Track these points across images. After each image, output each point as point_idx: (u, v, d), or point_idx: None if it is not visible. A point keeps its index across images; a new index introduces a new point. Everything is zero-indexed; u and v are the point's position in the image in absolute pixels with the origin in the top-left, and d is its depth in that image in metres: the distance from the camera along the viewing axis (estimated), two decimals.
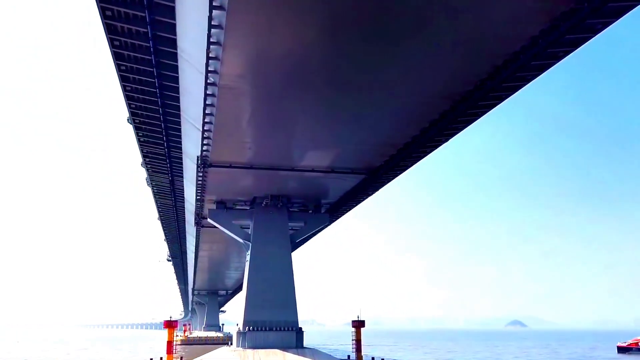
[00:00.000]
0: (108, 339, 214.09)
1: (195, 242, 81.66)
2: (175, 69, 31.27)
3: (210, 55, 26.51)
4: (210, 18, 22.78)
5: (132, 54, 30.01)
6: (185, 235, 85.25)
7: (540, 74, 32.63)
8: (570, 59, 30.56)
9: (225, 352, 49.47)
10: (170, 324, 51.38)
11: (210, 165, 43.03)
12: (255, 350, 48.38)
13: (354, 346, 55.05)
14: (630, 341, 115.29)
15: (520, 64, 27.84)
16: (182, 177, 52.61)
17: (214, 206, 54.87)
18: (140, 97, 35.58)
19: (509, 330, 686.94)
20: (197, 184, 47.73)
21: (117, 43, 28.90)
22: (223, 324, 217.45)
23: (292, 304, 51.91)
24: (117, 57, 30.35)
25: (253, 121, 35.49)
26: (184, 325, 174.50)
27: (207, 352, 54.80)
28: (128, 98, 35.62)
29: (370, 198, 58.88)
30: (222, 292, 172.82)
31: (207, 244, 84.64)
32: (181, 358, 58.29)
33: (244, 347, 49.59)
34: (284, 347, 48.95)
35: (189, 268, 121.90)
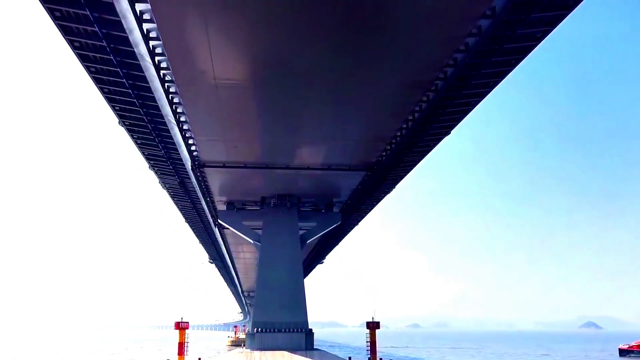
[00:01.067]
0: (167, 339, 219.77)
1: (224, 244, 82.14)
2: (139, 67, 31.00)
3: (156, 51, 26.13)
4: (135, 12, 22.28)
5: (97, 55, 29.93)
6: (216, 238, 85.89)
7: (524, 57, 30.57)
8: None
9: (234, 354, 49.10)
10: (180, 326, 51.41)
11: (204, 166, 42.84)
12: (263, 352, 47.80)
13: (369, 348, 53.51)
14: (632, 343, 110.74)
15: (480, 46, 25.88)
16: (189, 178, 52.73)
17: (225, 207, 54.85)
18: (123, 99, 35.60)
19: (582, 333, 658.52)
20: (199, 186, 47.70)
21: (77, 44, 28.83)
22: None
23: (301, 305, 51.02)
24: (83, 59, 30.33)
25: (230, 119, 34.90)
26: (235, 327, 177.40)
27: None
28: (110, 100, 35.66)
29: (395, 201, 57.57)
30: None
31: (238, 246, 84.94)
32: (199, 359, 58.37)
33: (252, 348, 49.16)
34: (293, 349, 48.15)
35: (232, 270, 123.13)
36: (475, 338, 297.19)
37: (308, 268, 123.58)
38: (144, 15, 23.25)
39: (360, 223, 76.69)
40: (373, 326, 54.21)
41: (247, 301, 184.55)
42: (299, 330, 49.83)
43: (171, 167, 48.38)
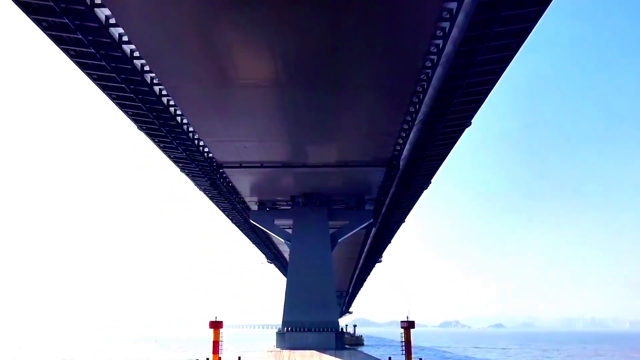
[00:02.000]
0: (239, 338, 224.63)
1: (271, 243, 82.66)
2: (134, 72, 31.56)
3: (133, 55, 26.57)
4: (92, 16, 22.74)
5: (94, 62, 30.68)
6: (266, 237, 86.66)
7: (524, 40, 28.87)
8: None
9: (264, 354, 49.32)
10: (215, 324, 52.18)
11: (222, 166, 43.29)
12: (292, 351, 47.75)
13: (404, 349, 52.24)
14: None
15: (467, 31, 24.60)
16: (219, 180, 53.40)
17: (256, 207, 55.31)
18: (132, 104, 36.34)
19: None
20: (222, 186, 48.26)
21: (72, 53, 29.74)
22: (355, 325, 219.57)
23: (331, 304, 50.66)
24: (83, 67, 31.24)
25: (230, 120, 35.02)
26: None
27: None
28: (121, 106, 36.50)
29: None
30: (338, 293, 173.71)
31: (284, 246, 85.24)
32: (239, 358, 58.98)
33: (282, 347, 49.23)
34: (323, 348, 47.78)
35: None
36: (557, 339, 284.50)
37: (366, 267, 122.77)
38: (110, 20, 23.66)
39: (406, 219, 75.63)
40: (407, 326, 52.94)
41: None
42: (329, 329, 49.44)
43: (197, 168, 49.14)
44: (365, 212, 54.65)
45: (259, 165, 43.30)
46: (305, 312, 50.01)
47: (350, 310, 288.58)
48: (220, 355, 52.72)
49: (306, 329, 49.44)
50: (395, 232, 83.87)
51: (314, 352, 47.47)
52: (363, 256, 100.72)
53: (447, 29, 24.94)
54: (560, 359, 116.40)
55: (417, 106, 32.78)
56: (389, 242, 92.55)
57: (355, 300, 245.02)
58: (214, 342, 52.62)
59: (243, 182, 49.06)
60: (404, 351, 52.79)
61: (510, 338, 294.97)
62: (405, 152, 45.64)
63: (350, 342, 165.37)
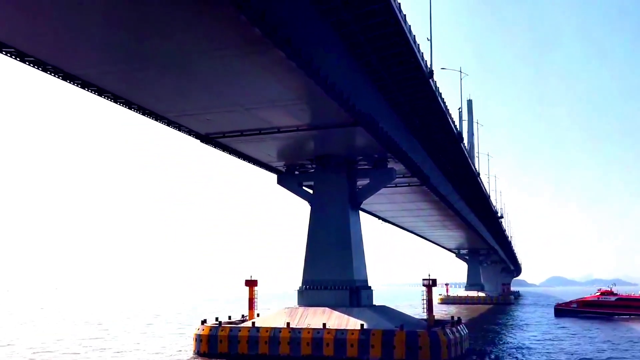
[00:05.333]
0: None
1: None
2: None
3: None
4: None
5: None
6: None
7: None
8: None
9: (280, 310, 51.90)
10: (250, 283, 56.04)
11: (211, 139, 46.37)
12: (306, 308, 49.87)
13: (426, 306, 51.30)
14: (571, 301, 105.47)
15: None
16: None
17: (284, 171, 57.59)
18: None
19: None
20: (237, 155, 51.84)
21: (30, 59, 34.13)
22: (508, 284, 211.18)
23: (347, 263, 51.37)
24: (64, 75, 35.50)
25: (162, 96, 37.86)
26: (446, 284, 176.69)
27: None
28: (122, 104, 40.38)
29: None
30: (483, 251, 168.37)
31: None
32: (243, 316, 61.57)
33: (300, 304, 51.51)
34: (338, 306, 49.11)
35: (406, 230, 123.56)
36: None
37: (488, 223, 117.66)
38: None
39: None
40: (429, 284, 51.83)
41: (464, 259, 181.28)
42: (344, 287, 50.44)
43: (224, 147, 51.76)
44: (388, 170, 53.79)
45: (239, 133, 45.42)
46: (322, 271, 51.60)
47: (520, 269, 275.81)
48: (255, 311, 56.70)
49: (322, 287, 51.05)
50: (478, 188, 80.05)
51: (326, 308, 49.08)
52: (466, 212, 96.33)
53: None
54: None
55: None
56: (483, 197, 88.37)
57: (520, 259, 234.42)
58: (249, 299, 56.74)
59: (255, 150, 51.71)
60: (425, 309, 51.73)
61: None
62: (385, 111, 44.51)
63: (503, 300, 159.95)
